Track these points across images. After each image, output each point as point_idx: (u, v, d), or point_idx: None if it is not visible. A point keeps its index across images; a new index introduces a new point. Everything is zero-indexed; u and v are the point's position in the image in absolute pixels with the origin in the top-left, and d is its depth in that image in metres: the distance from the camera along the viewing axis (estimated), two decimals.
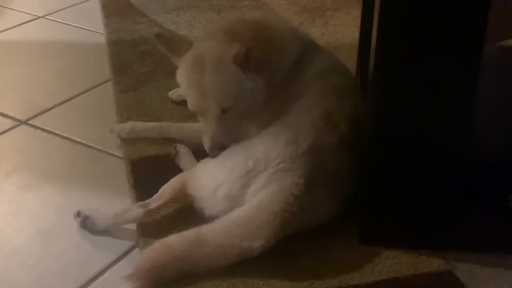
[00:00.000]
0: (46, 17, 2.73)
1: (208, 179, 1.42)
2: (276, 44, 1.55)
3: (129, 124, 1.81)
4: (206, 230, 1.33)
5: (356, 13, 2.36)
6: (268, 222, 1.31)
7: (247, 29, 1.52)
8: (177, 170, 1.60)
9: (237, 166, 1.39)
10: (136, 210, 1.44)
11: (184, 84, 1.54)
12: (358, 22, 1.97)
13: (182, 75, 1.54)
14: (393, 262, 1.37)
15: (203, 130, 1.52)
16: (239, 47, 1.43)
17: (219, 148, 1.48)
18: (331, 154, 1.40)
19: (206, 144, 1.50)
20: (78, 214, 1.48)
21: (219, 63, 1.46)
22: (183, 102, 1.78)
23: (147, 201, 1.46)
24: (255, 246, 1.30)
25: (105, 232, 1.47)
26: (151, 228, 1.44)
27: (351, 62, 2.00)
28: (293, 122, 1.45)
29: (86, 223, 1.47)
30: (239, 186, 1.38)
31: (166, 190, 1.47)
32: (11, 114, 1.98)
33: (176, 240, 1.32)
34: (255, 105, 1.52)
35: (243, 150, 1.43)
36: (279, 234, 1.32)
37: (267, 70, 1.51)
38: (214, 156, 1.48)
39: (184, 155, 1.68)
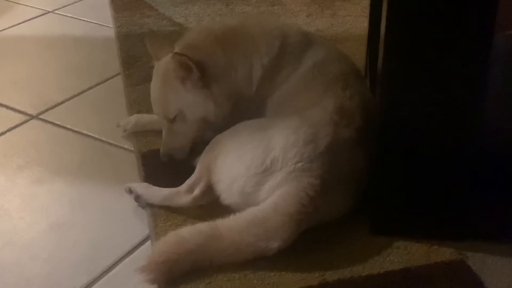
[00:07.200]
0: (55, 11, 2.74)
1: (226, 172, 1.42)
2: (245, 50, 1.56)
3: (134, 118, 1.82)
4: (221, 225, 1.33)
5: (365, 3, 2.35)
6: (284, 224, 1.31)
7: (209, 41, 1.57)
8: (188, 163, 1.60)
9: (254, 162, 1.38)
10: (185, 197, 1.47)
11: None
12: (367, 12, 1.97)
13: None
14: (405, 252, 1.36)
15: None
16: (174, 63, 1.52)
17: (167, 155, 1.60)
18: (349, 152, 1.40)
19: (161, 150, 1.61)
20: (130, 190, 1.53)
21: (163, 76, 1.59)
22: None
23: (189, 183, 1.47)
24: (272, 247, 1.30)
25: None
26: (163, 220, 1.45)
27: (360, 53, 1.99)
28: (311, 117, 1.42)
29: (139, 200, 1.52)
30: (254, 183, 1.38)
31: (202, 170, 1.47)
32: (22, 109, 1.99)
33: (190, 233, 1.32)
34: (217, 115, 1.55)
35: (263, 141, 1.40)
36: (294, 234, 1.32)
37: (227, 80, 1.55)
38: (164, 160, 1.60)
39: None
